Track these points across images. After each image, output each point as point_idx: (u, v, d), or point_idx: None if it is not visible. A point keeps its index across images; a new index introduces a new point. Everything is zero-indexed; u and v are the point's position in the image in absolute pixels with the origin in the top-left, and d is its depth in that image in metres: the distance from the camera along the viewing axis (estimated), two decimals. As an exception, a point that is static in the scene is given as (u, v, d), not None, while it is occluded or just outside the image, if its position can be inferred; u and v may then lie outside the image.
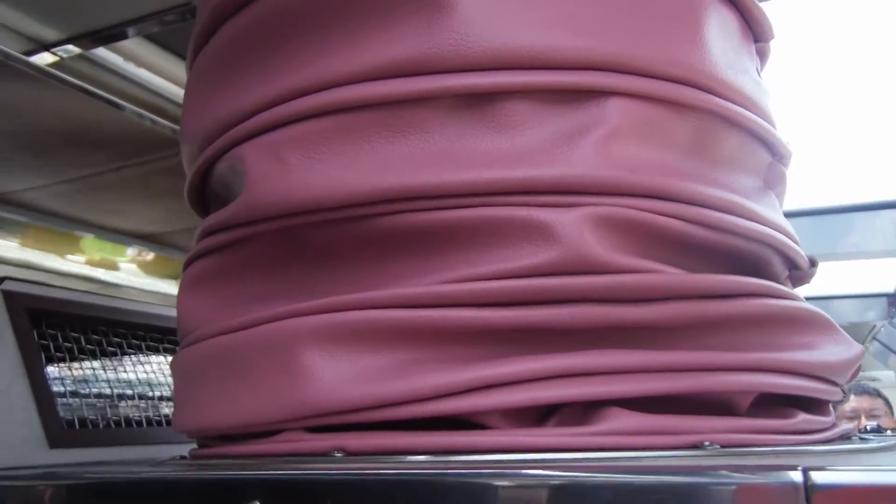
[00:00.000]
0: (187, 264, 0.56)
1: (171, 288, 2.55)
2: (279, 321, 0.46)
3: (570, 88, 0.46)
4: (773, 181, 0.58)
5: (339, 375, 0.44)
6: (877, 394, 2.49)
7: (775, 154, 0.57)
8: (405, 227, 0.46)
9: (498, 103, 0.46)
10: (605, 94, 0.46)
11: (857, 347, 0.56)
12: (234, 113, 0.51)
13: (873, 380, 4.75)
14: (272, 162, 0.48)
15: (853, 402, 2.44)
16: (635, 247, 0.45)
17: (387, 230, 0.46)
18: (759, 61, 0.60)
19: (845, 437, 0.55)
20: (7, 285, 0.85)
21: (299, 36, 0.50)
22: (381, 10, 0.47)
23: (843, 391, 0.57)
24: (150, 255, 2.16)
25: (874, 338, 4.86)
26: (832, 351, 0.53)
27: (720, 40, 0.52)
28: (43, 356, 0.85)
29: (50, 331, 0.88)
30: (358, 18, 0.48)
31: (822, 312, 0.55)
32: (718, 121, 0.51)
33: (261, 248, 0.51)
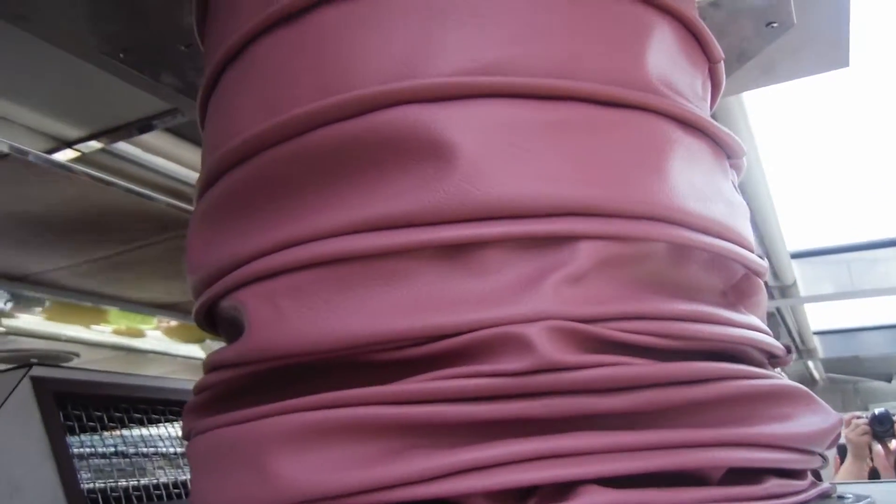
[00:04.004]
0: (196, 391, 0.61)
1: (192, 350, 2.61)
2: (274, 416, 0.50)
3: (544, 236, 0.50)
4: (748, 291, 0.61)
5: (332, 462, 0.48)
6: None
7: (749, 267, 0.60)
8: (392, 359, 0.50)
9: (476, 251, 0.50)
10: (576, 238, 0.50)
11: (834, 416, 0.58)
12: (233, 258, 0.56)
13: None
14: (269, 310, 0.53)
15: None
16: (602, 348, 0.49)
17: (375, 362, 0.50)
18: (734, 174, 0.64)
19: (823, 497, 0.57)
20: (35, 371, 0.90)
21: (295, 190, 0.54)
22: (379, 164, 0.51)
23: (824, 458, 0.59)
24: (172, 323, 2.20)
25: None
26: (808, 422, 0.56)
27: (689, 172, 0.55)
28: (68, 437, 0.89)
29: (75, 412, 0.93)
30: (352, 173, 0.52)
31: (800, 385, 0.58)
32: (688, 248, 0.54)
33: (259, 377, 0.55)
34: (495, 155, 0.50)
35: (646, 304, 0.51)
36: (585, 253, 0.50)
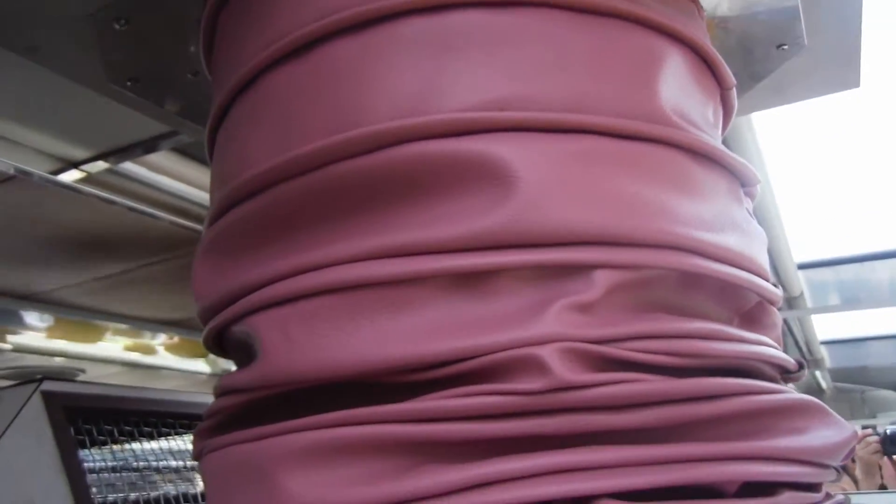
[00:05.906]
0: (207, 416, 0.61)
1: (197, 366, 2.61)
2: (286, 434, 0.50)
3: (561, 265, 0.50)
4: (761, 318, 0.61)
5: (341, 479, 0.48)
6: None
7: (762, 296, 0.60)
8: (405, 382, 0.50)
9: (488, 279, 0.50)
10: (591, 266, 0.50)
11: (848, 429, 0.58)
12: (245, 284, 0.56)
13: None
14: (281, 336, 0.53)
15: None
16: (615, 368, 0.49)
17: (388, 384, 0.50)
18: (749, 201, 0.65)
19: None
20: (45, 385, 0.90)
21: (306, 221, 0.54)
22: (391, 197, 0.51)
23: (838, 471, 0.59)
24: (176, 339, 2.21)
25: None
26: (822, 435, 0.56)
27: (702, 201, 0.56)
28: (79, 451, 0.90)
29: (86, 425, 0.94)
30: (365, 206, 0.52)
31: (814, 399, 0.58)
32: (699, 276, 0.55)
33: (272, 400, 0.55)
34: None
35: (657, 324, 0.51)
36: (599, 281, 0.50)
